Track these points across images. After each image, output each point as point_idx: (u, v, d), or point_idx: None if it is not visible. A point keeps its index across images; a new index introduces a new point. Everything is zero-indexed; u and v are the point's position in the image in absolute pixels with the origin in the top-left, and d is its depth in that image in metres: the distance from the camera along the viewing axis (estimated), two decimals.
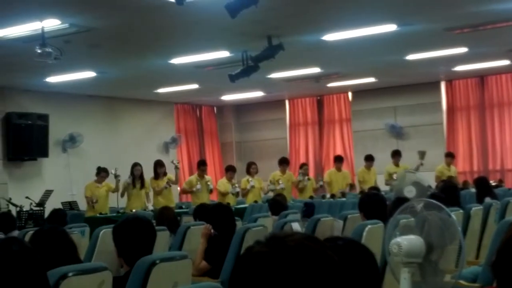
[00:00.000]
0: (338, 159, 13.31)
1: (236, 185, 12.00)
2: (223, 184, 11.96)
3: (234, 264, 1.36)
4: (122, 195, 11.52)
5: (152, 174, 11.60)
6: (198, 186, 11.54)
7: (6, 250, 1.95)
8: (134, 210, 10.46)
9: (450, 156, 13.53)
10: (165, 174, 11.62)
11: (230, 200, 11.56)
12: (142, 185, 11.35)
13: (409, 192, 7.43)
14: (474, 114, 15.39)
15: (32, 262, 1.92)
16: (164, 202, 10.63)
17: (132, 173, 11.33)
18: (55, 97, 13.52)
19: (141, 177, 11.35)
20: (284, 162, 12.61)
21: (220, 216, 5.82)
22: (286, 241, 1.32)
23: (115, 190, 11.54)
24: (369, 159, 13.30)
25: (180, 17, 8.14)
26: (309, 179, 12.74)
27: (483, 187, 8.33)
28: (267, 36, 9.18)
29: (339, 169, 13.09)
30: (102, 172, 11.54)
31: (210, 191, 11.90)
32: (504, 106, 15.05)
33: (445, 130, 15.55)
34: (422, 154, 13.26)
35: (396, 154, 13.29)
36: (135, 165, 11.37)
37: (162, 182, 11.48)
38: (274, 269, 1.28)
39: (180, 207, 11.61)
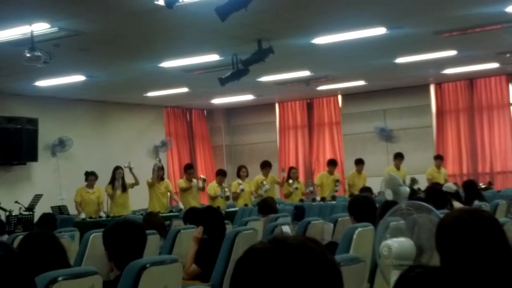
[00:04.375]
0: (332, 163, 13.30)
1: (226, 189, 12.02)
2: (213, 188, 11.98)
3: (236, 262, 1.39)
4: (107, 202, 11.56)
5: (145, 177, 11.64)
6: (193, 184, 11.64)
7: None
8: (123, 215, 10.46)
9: (439, 159, 13.57)
10: (162, 178, 11.70)
11: (220, 203, 11.55)
12: (124, 189, 11.35)
13: (389, 195, 7.50)
14: (464, 117, 15.44)
15: (18, 267, 1.89)
16: (158, 207, 10.75)
17: (113, 176, 11.31)
18: (44, 101, 13.48)
19: (123, 180, 11.35)
20: (266, 165, 12.62)
21: (210, 220, 5.81)
22: (288, 240, 1.38)
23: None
24: (359, 162, 13.31)
25: (170, 20, 8.12)
26: (298, 182, 12.71)
27: (472, 190, 8.39)
28: (257, 40, 9.18)
29: (331, 173, 13.09)
30: (90, 176, 11.49)
31: (202, 189, 11.88)
32: (493, 109, 15.11)
33: (435, 132, 15.59)
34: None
35: (398, 157, 13.29)
36: (117, 168, 11.37)
37: (161, 185, 11.55)
38: (276, 265, 1.33)
39: (171, 211, 11.59)
